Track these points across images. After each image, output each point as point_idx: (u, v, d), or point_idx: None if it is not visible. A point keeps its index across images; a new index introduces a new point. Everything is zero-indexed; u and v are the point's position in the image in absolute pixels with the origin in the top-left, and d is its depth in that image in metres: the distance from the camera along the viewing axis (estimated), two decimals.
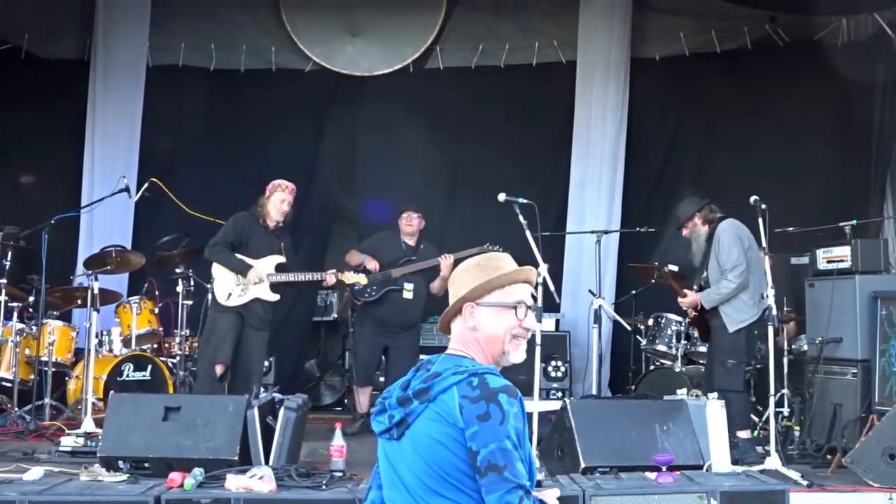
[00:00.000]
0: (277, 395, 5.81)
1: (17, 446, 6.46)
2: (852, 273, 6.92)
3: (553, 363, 8.83)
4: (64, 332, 8.06)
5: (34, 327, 7.79)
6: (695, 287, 7.03)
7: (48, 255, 7.38)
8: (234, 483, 4.81)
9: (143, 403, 5.61)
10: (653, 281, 8.28)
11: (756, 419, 7.44)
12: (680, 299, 7.11)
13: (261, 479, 4.84)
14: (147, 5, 9.60)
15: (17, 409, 7.50)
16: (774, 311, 6.24)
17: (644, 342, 8.48)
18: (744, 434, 6.63)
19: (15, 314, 7.82)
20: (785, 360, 7.49)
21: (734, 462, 5.88)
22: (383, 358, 8.09)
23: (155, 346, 8.52)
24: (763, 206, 6.33)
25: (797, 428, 7.00)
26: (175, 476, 4.89)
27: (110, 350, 8.25)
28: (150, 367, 8.00)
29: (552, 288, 6.23)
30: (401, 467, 2.68)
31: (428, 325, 9.10)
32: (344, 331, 9.72)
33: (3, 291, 7.82)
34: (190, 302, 8.38)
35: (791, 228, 7.73)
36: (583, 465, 5.46)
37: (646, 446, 5.54)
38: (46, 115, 9.62)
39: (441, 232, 9.11)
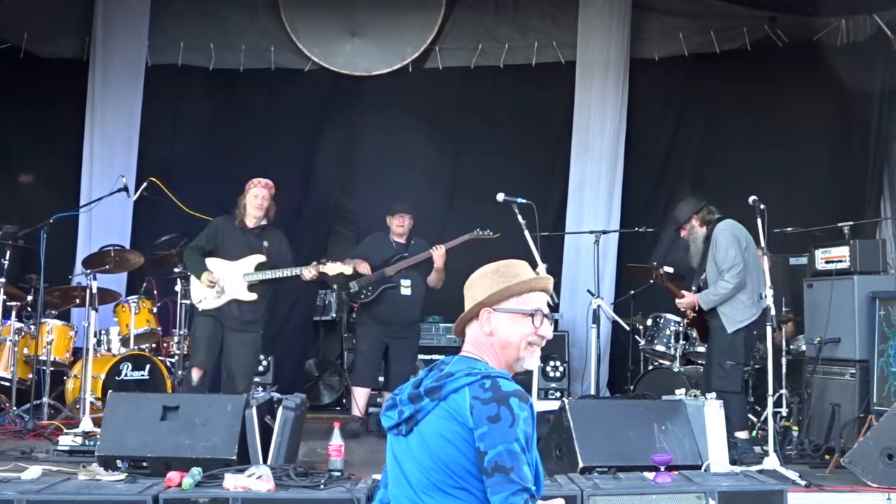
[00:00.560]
0: (276, 395, 5.81)
1: (15, 445, 6.45)
2: (851, 273, 6.92)
3: (551, 363, 8.83)
4: (62, 331, 8.06)
5: (33, 326, 7.79)
6: (693, 288, 7.03)
7: (47, 254, 7.37)
8: (233, 482, 4.81)
9: (142, 403, 5.60)
10: (651, 281, 8.28)
11: (754, 419, 7.44)
12: (677, 300, 7.11)
13: (259, 479, 4.83)
14: (146, 5, 9.60)
15: (15, 408, 7.49)
16: (773, 312, 6.24)
17: (642, 342, 8.48)
18: (742, 435, 6.63)
19: (13, 313, 7.82)
20: (783, 360, 7.49)
21: (732, 462, 5.88)
22: (383, 361, 8.04)
23: (153, 345, 8.52)
24: (762, 207, 6.33)
25: (795, 428, 7.00)
26: (173, 475, 4.89)
27: (109, 349, 8.25)
28: (148, 366, 8.00)
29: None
30: (406, 464, 2.70)
31: (426, 325, 9.12)
32: (341, 331, 9.71)
33: (2, 290, 7.80)
34: (188, 301, 8.35)
35: (790, 229, 7.75)
36: (581, 464, 5.45)
37: (644, 446, 5.54)
38: (45, 115, 9.62)
39: (440, 231, 9.09)
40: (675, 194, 9.75)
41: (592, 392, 7.63)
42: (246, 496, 4.73)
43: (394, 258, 7.90)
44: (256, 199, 7.32)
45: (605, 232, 8.48)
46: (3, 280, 7.80)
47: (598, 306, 7.46)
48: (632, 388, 8.35)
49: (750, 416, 7.14)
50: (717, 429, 5.87)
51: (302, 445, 6.07)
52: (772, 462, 5.91)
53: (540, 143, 10.12)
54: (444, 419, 2.63)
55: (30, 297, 8.00)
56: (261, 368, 8.86)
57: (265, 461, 5.33)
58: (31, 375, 7.77)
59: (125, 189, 7.87)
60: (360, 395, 7.86)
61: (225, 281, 7.22)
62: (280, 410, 5.56)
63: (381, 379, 8.00)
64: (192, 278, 7.34)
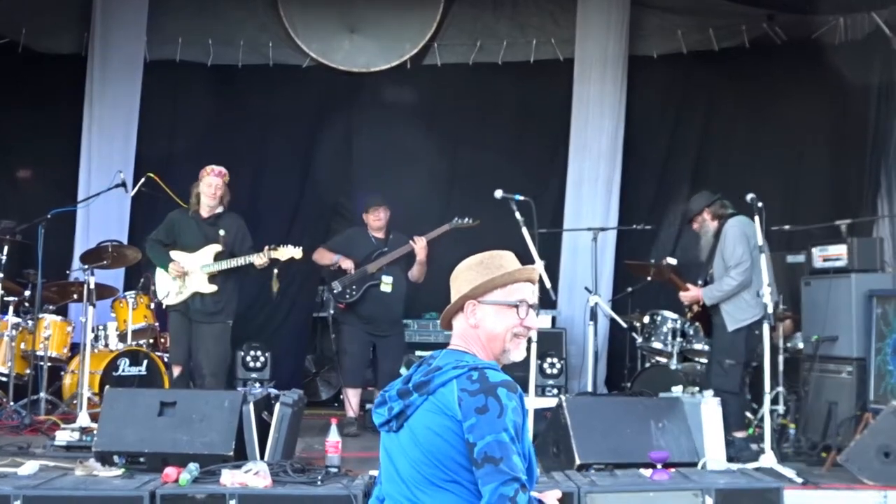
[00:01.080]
0: (273, 391, 5.81)
1: (12, 440, 6.46)
2: (848, 271, 6.93)
3: (549, 360, 8.83)
4: (60, 326, 8.06)
5: (30, 322, 7.79)
6: (699, 282, 7.01)
7: (44, 249, 7.36)
8: (230, 478, 4.82)
9: (139, 398, 5.61)
10: (649, 279, 8.28)
11: (751, 417, 7.45)
12: (681, 293, 7.10)
13: (256, 475, 4.84)
14: (145, 0, 9.58)
15: (12, 403, 7.51)
16: (770, 309, 6.23)
17: (640, 339, 8.48)
18: (738, 434, 6.63)
19: (11, 308, 7.82)
20: (780, 357, 7.49)
21: (729, 459, 5.88)
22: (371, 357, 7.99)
23: (151, 341, 8.51)
24: (760, 204, 6.32)
25: (792, 426, 7.01)
26: (170, 471, 4.90)
27: (106, 345, 8.24)
28: (145, 362, 8.00)
29: (548, 285, 6.22)
30: (398, 459, 2.70)
31: (424, 322, 9.12)
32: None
33: (0, 286, 7.81)
34: None
35: (787, 226, 7.74)
36: (578, 461, 5.46)
37: (641, 443, 5.56)
38: (44, 110, 9.59)
39: (437, 227, 9.09)
40: (673, 192, 9.78)
41: (590, 389, 7.63)
42: (243, 492, 4.74)
43: (374, 254, 7.81)
44: (210, 188, 7.31)
45: (603, 229, 8.46)
46: (0, 275, 7.80)
47: (596, 303, 7.46)
48: (629, 385, 8.36)
49: (747, 413, 7.13)
50: (714, 426, 5.88)
51: (299, 441, 6.08)
52: (768, 460, 5.91)
53: (538, 140, 10.11)
54: (432, 413, 2.64)
55: (27, 293, 8.00)
56: (258, 364, 8.85)
57: (262, 457, 5.34)
58: (28, 371, 7.76)
59: (123, 184, 7.86)
60: (353, 395, 7.83)
61: (185, 274, 7.26)
62: (277, 406, 5.57)
63: (371, 376, 7.96)
64: (157, 275, 7.42)
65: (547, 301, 6.93)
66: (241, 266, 7.29)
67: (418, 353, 8.57)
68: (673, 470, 5.30)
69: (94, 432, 5.66)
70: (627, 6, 9.63)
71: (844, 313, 6.81)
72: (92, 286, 7.23)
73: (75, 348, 8.00)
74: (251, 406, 5.40)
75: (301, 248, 7.36)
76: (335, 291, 7.76)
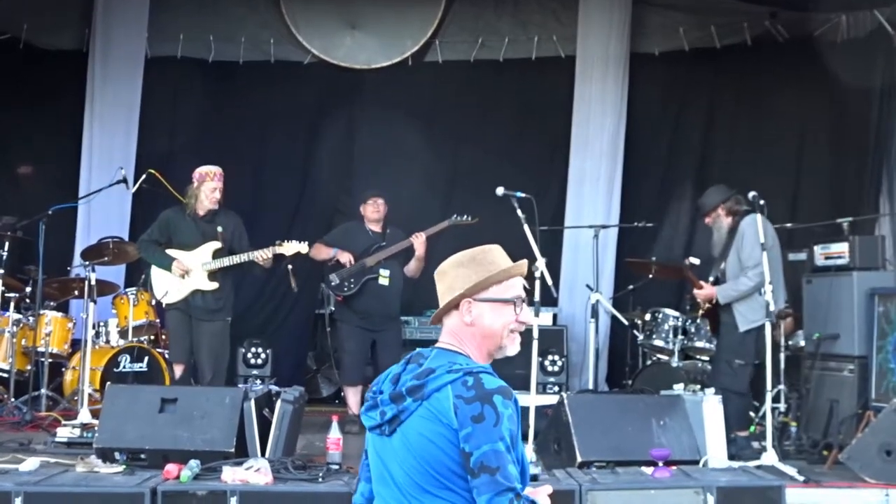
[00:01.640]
0: (274, 388, 5.81)
1: (13, 437, 6.46)
2: (850, 270, 6.92)
3: (550, 357, 8.80)
4: (61, 322, 8.06)
5: (31, 318, 7.80)
6: (710, 279, 6.99)
7: (45, 245, 7.37)
8: (231, 475, 4.82)
9: (140, 395, 5.62)
10: (650, 276, 8.27)
11: (753, 415, 7.44)
12: (696, 291, 7.07)
13: (257, 472, 4.84)
14: None
15: (13, 399, 7.52)
16: (772, 307, 6.22)
17: (641, 337, 8.48)
18: (740, 433, 6.63)
19: (12, 305, 7.82)
20: (782, 355, 7.48)
21: (731, 457, 5.89)
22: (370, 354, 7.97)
23: (152, 337, 8.51)
24: (762, 202, 6.31)
25: (794, 424, 6.99)
26: (171, 468, 4.90)
27: (107, 341, 8.24)
28: (146, 358, 8.01)
29: (550, 282, 6.21)
30: (391, 464, 2.67)
31: (424, 319, 9.11)
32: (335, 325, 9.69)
33: (1, 282, 7.81)
34: None
35: (789, 224, 7.74)
36: (579, 459, 5.46)
37: (642, 441, 5.55)
38: (45, 106, 9.58)
39: (437, 223, 9.09)
40: (674, 189, 9.78)
41: (591, 387, 7.64)
42: (244, 489, 4.74)
43: (372, 247, 7.79)
44: (214, 192, 7.30)
45: (604, 227, 8.47)
46: (1, 271, 7.81)
47: (597, 301, 7.46)
48: (630, 382, 8.36)
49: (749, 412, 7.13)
50: (715, 424, 5.89)
51: (300, 438, 6.08)
52: (770, 458, 5.91)
53: (539, 138, 10.10)
54: (427, 420, 2.60)
55: (28, 289, 8.01)
56: (259, 361, 8.84)
57: (263, 454, 5.34)
58: (29, 367, 7.77)
59: (124, 181, 7.87)
60: (353, 394, 7.80)
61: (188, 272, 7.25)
62: (278, 403, 5.57)
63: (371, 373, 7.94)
64: (153, 273, 7.37)
65: (548, 298, 6.92)
66: (243, 263, 7.29)
67: (419, 350, 8.54)
68: (674, 468, 5.30)
69: (95, 429, 5.67)
70: (629, 3, 9.61)
71: (846, 311, 6.81)
72: (93, 282, 7.22)
73: (76, 345, 8.01)
74: (252, 403, 5.40)
75: (306, 242, 7.36)
76: (333, 284, 7.74)
